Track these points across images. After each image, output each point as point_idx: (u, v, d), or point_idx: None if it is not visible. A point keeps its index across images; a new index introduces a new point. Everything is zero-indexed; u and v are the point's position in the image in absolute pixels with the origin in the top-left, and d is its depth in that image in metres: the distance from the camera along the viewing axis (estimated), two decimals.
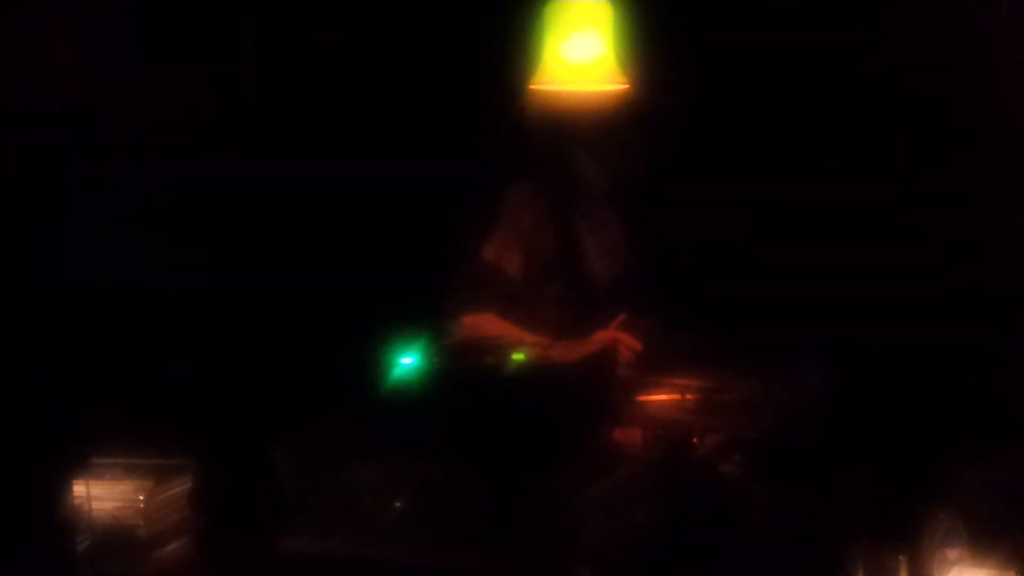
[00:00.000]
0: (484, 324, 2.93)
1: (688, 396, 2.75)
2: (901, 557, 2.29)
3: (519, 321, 2.92)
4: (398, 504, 2.32)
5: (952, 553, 2.32)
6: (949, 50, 3.11)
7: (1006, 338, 3.03)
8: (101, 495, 2.21)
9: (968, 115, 3.15)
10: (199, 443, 2.43)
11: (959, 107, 3.16)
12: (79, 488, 2.16)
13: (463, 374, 2.45)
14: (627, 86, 2.90)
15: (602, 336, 2.85)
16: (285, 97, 3.26)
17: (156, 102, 3.04)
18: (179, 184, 3.04)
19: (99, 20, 2.99)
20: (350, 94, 3.31)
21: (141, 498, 2.22)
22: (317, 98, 3.30)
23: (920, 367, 3.06)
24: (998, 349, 3.03)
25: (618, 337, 2.89)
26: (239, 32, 3.21)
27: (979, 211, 3.12)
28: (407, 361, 2.47)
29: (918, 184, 3.21)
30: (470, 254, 3.01)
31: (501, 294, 2.97)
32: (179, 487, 2.31)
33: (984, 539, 2.32)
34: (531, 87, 2.89)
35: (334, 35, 3.33)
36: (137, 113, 3.01)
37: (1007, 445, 2.65)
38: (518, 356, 2.47)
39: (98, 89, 2.96)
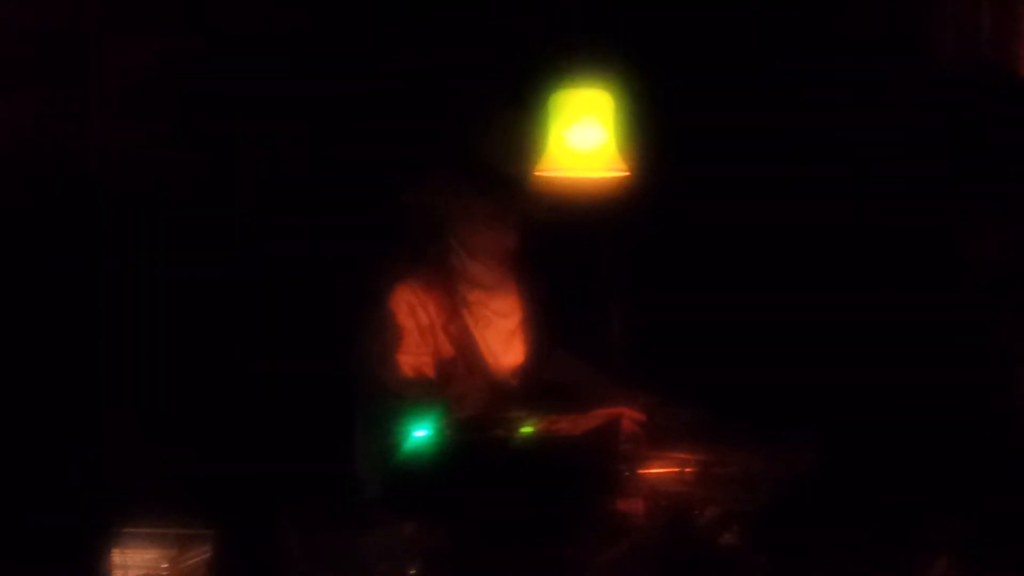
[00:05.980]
0: None
1: (687, 469, 2.83)
2: None
3: None
4: (412, 572, 2.38)
5: None
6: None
7: (997, 404, 3.12)
8: (127, 563, 2.26)
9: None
10: (219, 513, 2.51)
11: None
12: (117, 555, 2.23)
13: (474, 446, 2.53)
14: (628, 172, 3.02)
15: (606, 411, 2.94)
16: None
17: None
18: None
19: None
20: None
21: (165, 566, 2.26)
22: None
23: (911, 436, 3.15)
24: (987, 416, 3.12)
25: (622, 412, 2.97)
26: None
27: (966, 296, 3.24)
28: (420, 433, 2.56)
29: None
30: (387, 372, 2.92)
31: (431, 400, 2.85)
32: (201, 555, 2.36)
33: None
34: (535, 174, 3.00)
35: None
36: None
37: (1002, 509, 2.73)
38: (526, 429, 2.55)
39: None
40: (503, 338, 3.11)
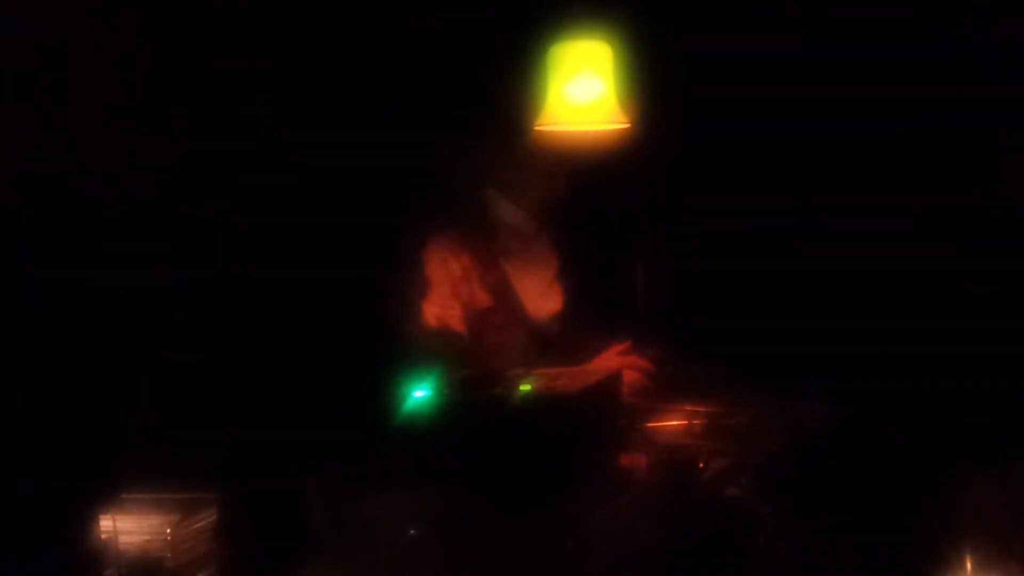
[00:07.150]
0: None
1: (695, 421, 2.82)
2: None
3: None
4: (412, 532, 2.40)
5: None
6: None
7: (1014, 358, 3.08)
8: (129, 529, 2.29)
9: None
10: (224, 477, 2.53)
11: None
12: (106, 522, 2.25)
13: (473, 405, 2.54)
14: (628, 124, 2.99)
15: (607, 364, 2.93)
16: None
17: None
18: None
19: None
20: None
21: (168, 531, 2.28)
22: None
23: (926, 389, 3.11)
24: (1006, 369, 3.08)
25: (625, 363, 2.96)
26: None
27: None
28: (420, 394, 2.57)
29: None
30: (411, 322, 2.93)
31: (454, 353, 2.88)
32: (205, 520, 2.39)
33: (991, 562, 2.36)
34: (535, 128, 2.98)
35: None
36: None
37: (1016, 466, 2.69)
38: (525, 387, 2.55)
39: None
40: (542, 286, 3.10)
